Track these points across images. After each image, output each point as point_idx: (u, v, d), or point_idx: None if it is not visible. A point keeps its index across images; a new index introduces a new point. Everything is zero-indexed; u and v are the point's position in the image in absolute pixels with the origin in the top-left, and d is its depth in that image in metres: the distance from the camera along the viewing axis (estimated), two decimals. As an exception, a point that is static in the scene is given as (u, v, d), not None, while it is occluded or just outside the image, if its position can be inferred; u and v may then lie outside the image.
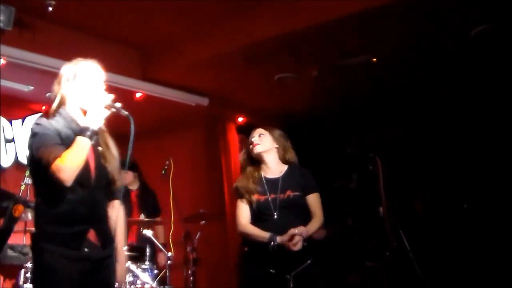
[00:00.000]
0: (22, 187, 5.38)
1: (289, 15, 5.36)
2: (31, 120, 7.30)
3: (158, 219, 6.37)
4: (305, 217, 3.71)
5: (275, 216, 3.64)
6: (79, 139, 2.70)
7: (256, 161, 3.85)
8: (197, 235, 5.98)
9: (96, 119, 2.78)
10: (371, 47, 5.87)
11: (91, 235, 2.80)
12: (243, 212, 3.72)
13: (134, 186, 6.43)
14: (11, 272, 5.70)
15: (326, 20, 5.19)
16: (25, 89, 6.46)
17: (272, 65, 6.29)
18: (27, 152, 2.82)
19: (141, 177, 6.49)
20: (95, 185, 2.85)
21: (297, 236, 3.51)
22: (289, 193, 3.70)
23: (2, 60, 5.43)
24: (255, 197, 3.69)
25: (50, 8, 5.20)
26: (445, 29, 5.41)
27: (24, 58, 5.54)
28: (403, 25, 5.32)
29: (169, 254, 5.60)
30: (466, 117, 7.05)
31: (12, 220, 4.51)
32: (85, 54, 3.00)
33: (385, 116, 7.52)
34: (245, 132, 7.82)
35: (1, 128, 7.00)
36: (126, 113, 2.88)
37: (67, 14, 5.60)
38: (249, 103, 7.68)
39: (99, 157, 2.89)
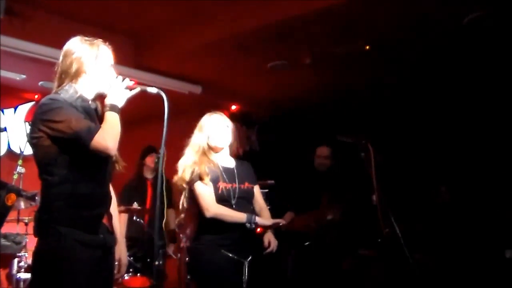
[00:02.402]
0: (15, 176, 5.36)
1: (282, 2, 5.34)
2: (24, 108, 7.28)
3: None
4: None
5: (233, 206, 3.70)
6: (111, 114, 2.72)
7: (212, 148, 3.87)
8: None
9: (120, 98, 2.80)
10: (364, 35, 5.86)
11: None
12: (211, 194, 3.66)
13: (151, 175, 6.44)
14: (5, 261, 5.69)
15: (319, 8, 5.17)
16: (17, 78, 6.44)
17: (265, 53, 6.28)
18: (39, 129, 2.64)
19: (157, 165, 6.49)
20: (107, 166, 2.83)
21: (272, 242, 3.75)
22: (247, 184, 3.82)
23: (-7, 48, 5.41)
24: (221, 184, 3.71)
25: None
26: (437, 17, 5.40)
27: (16, 46, 5.51)
28: (395, 13, 5.31)
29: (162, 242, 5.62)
30: (459, 106, 7.08)
31: (5, 209, 4.49)
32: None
33: (378, 104, 7.53)
34: (239, 120, 7.83)
35: (-6, 117, 6.99)
36: (156, 90, 2.91)
37: (59, 2, 5.58)
38: (242, 91, 7.67)
39: None
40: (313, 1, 5.14)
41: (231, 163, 3.90)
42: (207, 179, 3.67)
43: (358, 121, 7.33)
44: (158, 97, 2.86)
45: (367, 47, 6.07)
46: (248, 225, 3.61)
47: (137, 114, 6.76)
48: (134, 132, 6.94)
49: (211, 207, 3.63)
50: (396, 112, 7.45)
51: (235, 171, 3.83)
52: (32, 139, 2.70)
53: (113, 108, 2.75)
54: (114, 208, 3.04)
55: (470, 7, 5.19)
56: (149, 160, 6.37)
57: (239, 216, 3.63)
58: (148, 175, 6.43)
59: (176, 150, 6.94)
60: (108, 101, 2.78)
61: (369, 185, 4.16)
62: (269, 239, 3.76)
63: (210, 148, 3.84)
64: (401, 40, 5.94)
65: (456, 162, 6.88)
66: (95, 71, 2.82)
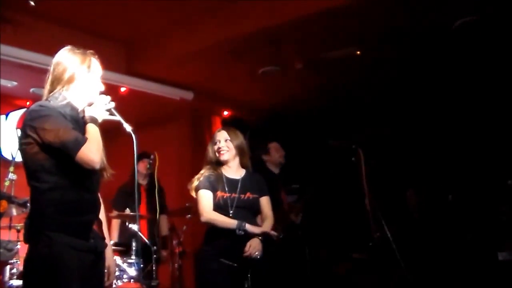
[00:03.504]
0: (6, 183, 5.33)
1: (273, 8, 5.38)
2: (15, 115, 7.26)
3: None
4: (255, 217, 4.04)
5: (230, 214, 3.86)
6: (93, 127, 2.73)
7: (219, 161, 4.06)
8: (183, 229, 5.99)
9: (99, 116, 2.81)
10: (355, 40, 5.89)
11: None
12: (208, 201, 3.88)
13: (144, 180, 6.42)
14: (-3, 268, 5.66)
15: (310, 13, 5.21)
16: (9, 85, 6.43)
17: (257, 59, 6.31)
18: (28, 136, 2.65)
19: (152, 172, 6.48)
20: (95, 173, 2.83)
21: (251, 248, 3.74)
22: (249, 194, 3.99)
23: (-15, 55, 5.40)
24: (218, 193, 3.91)
25: (32, 3, 5.17)
26: (427, 22, 5.45)
27: (7, 53, 5.50)
28: (386, 18, 5.35)
29: (154, 248, 5.61)
30: (448, 109, 7.12)
31: (-4, 216, 4.48)
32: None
33: (370, 109, 7.56)
34: (231, 125, 7.83)
35: (-15, 124, 6.96)
36: (129, 129, 2.95)
37: (50, 8, 5.57)
38: (234, 96, 7.70)
39: None
40: (304, 7, 5.18)
41: (238, 174, 4.06)
42: (205, 187, 3.90)
43: (350, 126, 7.36)
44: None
45: (358, 52, 6.11)
46: (238, 231, 3.74)
47: (134, 119, 6.77)
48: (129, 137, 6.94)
49: (206, 212, 3.84)
50: (388, 116, 7.48)
51: (240, 182, 4.01)
52: (21, 145, 2.71)
53: (93, 121, 2.76)
54: (102, 214, 3.05)
55: (460, 12, 5.25)
56: (142, 166, 6.35)
57: (230, 223, 3.79)
58: (141, 180, 6.41)
59: (169, 155, 6.99)
60: (88, 113, 2.79)
61: (360, 189, 4.18)
62: (250, 243, 3.79)
63: (218, 160, 4.04)
64: (391, 46, 5.99)
65: (454, 164, 6.91)
66: (87, 81, 2.84)
